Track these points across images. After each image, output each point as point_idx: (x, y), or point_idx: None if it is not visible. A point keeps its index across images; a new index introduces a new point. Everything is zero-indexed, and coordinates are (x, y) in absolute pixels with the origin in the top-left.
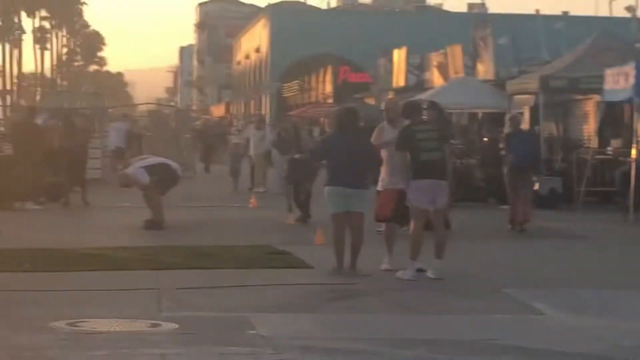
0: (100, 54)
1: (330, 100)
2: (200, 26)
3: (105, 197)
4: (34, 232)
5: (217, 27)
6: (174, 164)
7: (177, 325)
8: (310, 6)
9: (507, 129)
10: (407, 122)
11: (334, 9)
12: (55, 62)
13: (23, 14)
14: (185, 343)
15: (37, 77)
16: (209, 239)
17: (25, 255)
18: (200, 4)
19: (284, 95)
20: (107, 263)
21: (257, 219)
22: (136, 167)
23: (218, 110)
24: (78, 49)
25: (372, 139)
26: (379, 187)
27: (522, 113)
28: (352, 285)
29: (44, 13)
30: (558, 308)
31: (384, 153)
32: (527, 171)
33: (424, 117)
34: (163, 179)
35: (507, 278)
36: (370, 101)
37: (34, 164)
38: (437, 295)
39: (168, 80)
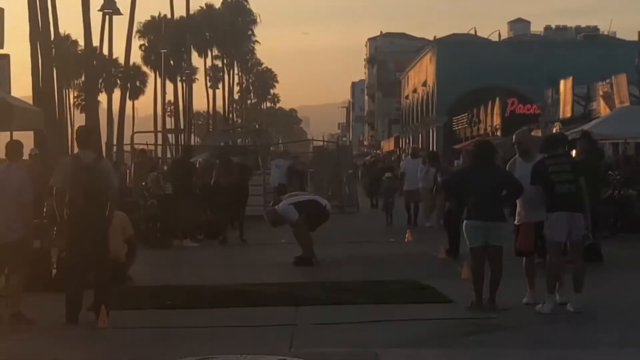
0: (273, 91)
1: (498, 133)
2: (370, 61)
3: (263, 234)
4: (186, 269)
5: (386, 62)
6: (323, 201)
7: None
8: (478, 37)
9: None
10: (541, 155)
11: (502, 40)
12: (227, 100)
13: (194, 54)
14: None
15: (210, 116)
16: (356, 275)
17: (171, 292)
18: (370, 39)
19: (454, 129)
20: (248, 299)
21: (410, 254)
22: (285, 204)
23: (388, 145)
24: (251, 87)
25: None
26: (517, 222)
27: None
28: (489, 319)
29: (215, 52)
30: None
31: None
32: None
33: (560, 150)
34: (312, 215)
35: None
36: (537, 133)
37: (190, 202)
38: (574, 329)
39: (341, 116)
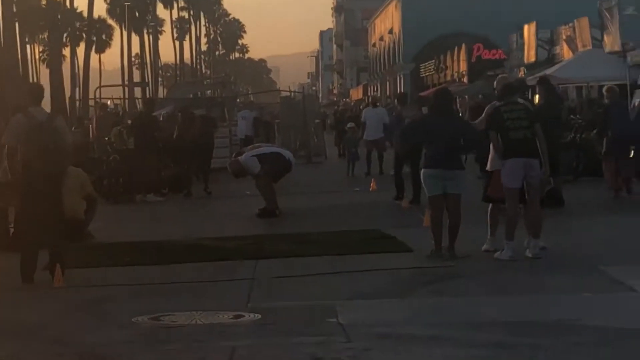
0: (241, 41)
1: (465, 79)
2: (337, 9)
3: (229, 186)
4: (147, 224)
5: (353, 10)
6: (286, 152)
7: (259, 316)
8: None
9: (605, 101)
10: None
11: None
12: (194, 51)
13: (160, 5)
14: (260, 334)
15: (178, 68)
16: (319, 226)
17: (130, 249)
18: None
19: (421, 76)
20: (207, 254)
21: (375, 203)
22: (248, 155)
23: (356, 93)
24: (219, 38)
25: (481, 118)
26: (489, 167)
27: None
28: (448, 268)
29: (182, 3)
30: None
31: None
32: (627, 143)
33: (518, 97)
34: (275, 167)
35: (607, 255)
36: (505, 76)
37: (153, 156)
38: (532, 275)
39: (310, 65)
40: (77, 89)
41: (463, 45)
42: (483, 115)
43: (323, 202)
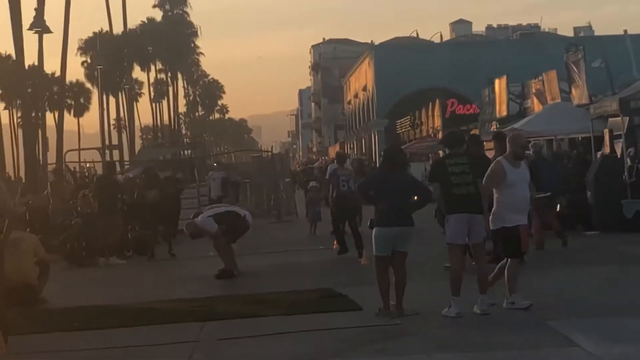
0: (221, 102)
1: (439, 135)
2: (315, 68)
3: (195, 247)
4: (105, 288)
5: (330, 69)
6: (242, 212)
7: None
8: (420, 39)
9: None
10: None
11: (440, 42)
12: (172, 113)
13: (137, 68)
14: None
15: (157, 129)
16: (275, 285)
17: (82, 313)
18: (314, 46)
19: (397, 132)
20: (157, 317)
21: (335, 261)
22: (204, 216)
23: (334, 151)
24: (198, 99)
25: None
26: (494, 227)
27: (619, 135)
28: (394, 325)
29: (159, 66)
30: (595, 338)
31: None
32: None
33: (460, 149)
34: (232, 227)
35: (558, 309)
36: (476, 132)
37: (115, 219)
38: (478, 332)
39: (290, 124)
40: (47, 153)
41: (437, 101)
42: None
43: (284, 261)
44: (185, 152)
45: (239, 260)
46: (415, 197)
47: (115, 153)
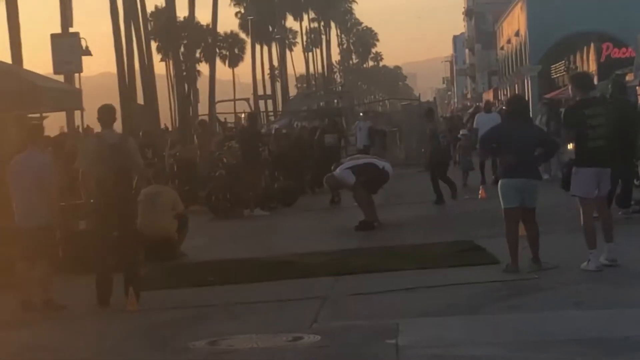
0: (374, 50)
1: (595, 79)
2: (468, 13)
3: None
4: (246, 241)
5: (484, 14)
6: (381, 163)
7: (319, 338)
8: None
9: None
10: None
11: None
12: (325, 61)
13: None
14: (311, 359)
15: (309, 78)
16: (417, 237)
17: (217, 268)
18: None
19: (552, 77)
20: (291, 271)
21: (480, 212)
22: (342, 168)
23: (488, 97)
24: (352, 47)
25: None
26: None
27: None
28: (529, 281)
29: (312, 15)
30: None
31: None
32: None
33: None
34: (370, 178)
35: None
36: (630, 77)
37: (259, 170)
38: (615, 288)
39: (445, 70)
40: (198, 104)
41: (592, 45)
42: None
43: (428, 212)
44: (335, 101)
45: (383, 211)
46: (540, 149)
47: (270, 103)
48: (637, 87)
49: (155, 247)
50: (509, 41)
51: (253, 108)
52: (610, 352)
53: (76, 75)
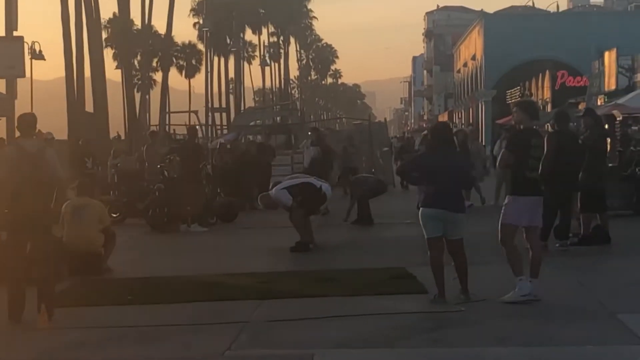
0: (334, 67)
1: (549, 107)
2: (428, 35)
3: (282, 216)
4: (175, 258)
5: (443, 36)
6: (318, 183)
7: None
8: (535, 9)
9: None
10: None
11: (553, 12)
12: (282, 76)
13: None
14: None
15: (264, 93)
16: (349, 262)
17: (139, 285)
18: (428, 13)
19: (508, 102)
20: (214, 292)
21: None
22: (278, 188)
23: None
24: (311, 63)
25: None
26: None
27: None
28: (455, 313)
29: (272, 29)
30: None
31: None
32: None
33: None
34: (307, 198)
35: (633, 301)
36: (583, 106)
37: (198, 185)
38: (541, 324)
39: (404, 91)
40: (147, 115)
41: (547, 72)
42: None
43: (367, 235)
44: (279, 118)
45: (323, 231)
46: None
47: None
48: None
49: (79, 261)
50: (465, 64)
51: (201, 121)
52: None
53: (28, 79)
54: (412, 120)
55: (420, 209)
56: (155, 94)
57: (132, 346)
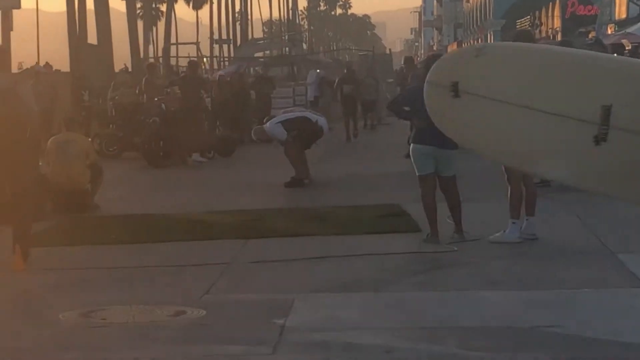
0: None
1: (559, 36)
2: None
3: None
4: (165, 193)
5: None
6: (314, 116)
7: (204, 313)
8: None
9: None
10: None
11: None
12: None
13: None
14: (185, 339)
15: (269, 24)
16: (343, 198)
17: (124, 223)
18: None
19: None
20: (201, 232)
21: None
22: (273, 122)
23: (452, 49)
24: None
25: None
26: None
27: None
28: (447, 253)
29: None
30: None
31: None
32: None
33: None
34: (303, 132)
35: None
36: (592, 35)
37: (196, 118)
38: (537, 265)
39: (414, 21)
40: (153, 47)
41: (557, 1)
42: None
43: (365, 170)
44: (285, 49)
45: (318, 166)
46: None
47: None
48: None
49: (64, 198)
50: None
51: (203, 53)
52: (513, 347)
53: (34, 11)
54: (422, 51)
55: (411, 145)
56: (162, 26)
57: (108, 289)
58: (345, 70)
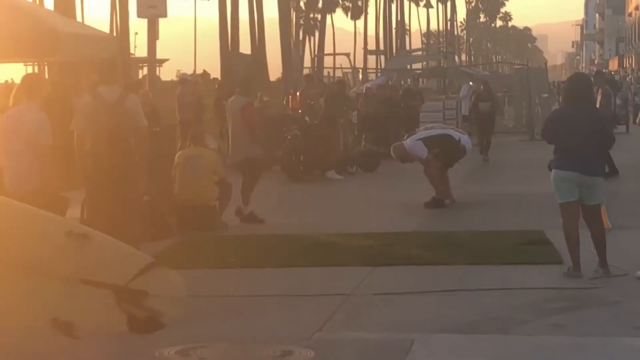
0: (503, 9)
1: None
2: None
3: None
4: (299, 210)
5: None
6: (457, 134)
7: (312, 355)
8: None
9: None
10: None
11: None
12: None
13: None
14: None
15: (427, 36)
16: (482, 221)
17: (248, 245)
18: None
19: None
20: (324, 256)
21: None
22: (414, 139)
23: (613, 64)
24: (480, 5)
25: None
26: None
27: None
28: (589, 290)
29: None
30: None
31: None
32: None
33: None
34: (444, 151)
35: None
36: None
37: (339, 133)
38: None
39: (575, 34)
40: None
41: None
42: None
43: (513, 190)
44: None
45: (461, 186)
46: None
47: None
48: None
49: (191, 216)
50: (637, 7)
51: (352, 64)
52: None
53: (192, 18)
54: (584, 65)
55: (552, 171)
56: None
57: (215, 321)
58: (481, 87)
